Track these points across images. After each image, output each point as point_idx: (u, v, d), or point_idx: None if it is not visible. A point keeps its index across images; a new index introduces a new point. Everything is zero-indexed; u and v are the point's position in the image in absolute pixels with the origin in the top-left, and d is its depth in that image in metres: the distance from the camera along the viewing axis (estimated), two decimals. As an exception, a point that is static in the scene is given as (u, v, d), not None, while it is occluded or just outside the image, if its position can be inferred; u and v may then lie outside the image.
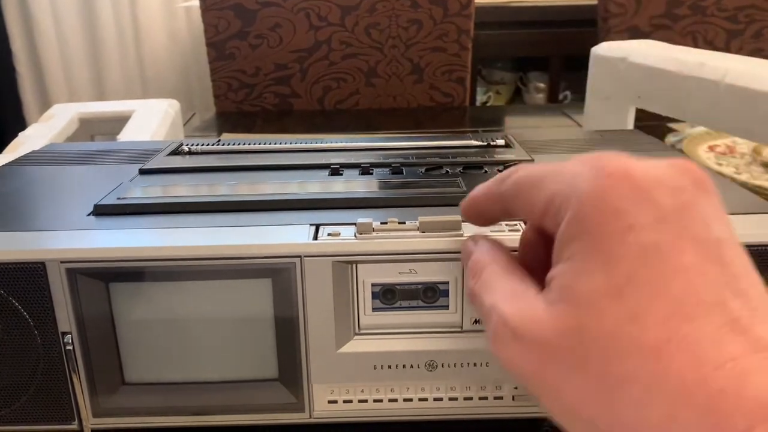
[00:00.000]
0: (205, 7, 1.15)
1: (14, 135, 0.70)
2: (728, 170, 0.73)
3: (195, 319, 0.32)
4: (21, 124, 1.66)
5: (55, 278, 0.31)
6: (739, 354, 0.18)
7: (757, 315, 0.19)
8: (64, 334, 0.32)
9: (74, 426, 0.33)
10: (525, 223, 0.33)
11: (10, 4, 1.62)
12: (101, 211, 0.36)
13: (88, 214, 0.36)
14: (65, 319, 0.32)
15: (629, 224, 0.20)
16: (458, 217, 0.32)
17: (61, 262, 0.31)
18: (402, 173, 0.42)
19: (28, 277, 0.31)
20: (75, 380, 0.32)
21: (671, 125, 0.90)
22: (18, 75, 1.67)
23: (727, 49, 1.23)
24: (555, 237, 0.23)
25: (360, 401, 0.34)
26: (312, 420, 0.34)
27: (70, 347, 0.32)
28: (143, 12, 1.71)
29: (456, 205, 0.36)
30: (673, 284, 0.19)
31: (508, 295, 0.23)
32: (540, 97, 1.95)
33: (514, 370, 0.23)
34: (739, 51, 1.23)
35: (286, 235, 0.32)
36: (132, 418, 0.34)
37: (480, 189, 0.29)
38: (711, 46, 1.23)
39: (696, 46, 1.23)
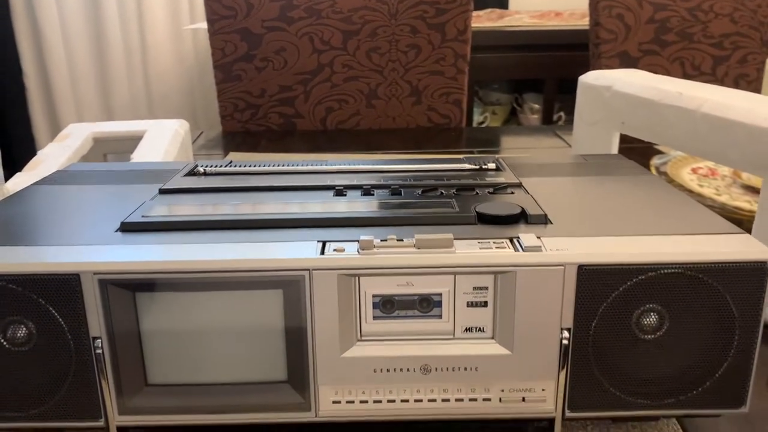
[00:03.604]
0: (213, 31, 1.20)
1: (24, 149, 0.74)
2: (709, 191, 0.77)
3: (212, 326, 0.36)
4: (30, 140, 1.71)
5: (88, 288, 0.35)
6: None
7: None
8: (94, 339, 0.35)
9: (101, 423, 0.37)
10: (512, 242, 0.36)
11: (21, 23, 1.67)
12: (128, 227, 0.39)
13: (116, 230, 0.39)
14: (96, 325, 0.35)
15: None
16: (450, 236, 0.36)
17: (94, 273, 0.35)
18: (400, 194, 0.46)
19: (64, 287, 0.35)
20: (103, 381, 0.36)
21: (658, 147, 0.94)
22: (28, 92, 1.72)
23: (713, 74, 1.28)
24: None
25: (361, 402, 0.37)
26: (317, 419, 0.37)
27: (99, 351, 0.35)
28: (151, 33, 1.76)
29: (449, 224, 0.40)
30: None
31: None
32: (535, 118, 2.00)
33: None
34: (725, 76, 1.28)
35: (296, 250, 0.36)
36: (154, 416, 0.37)
37: None
38: (698, 71, 1.27)
39: (683, 71, 1.27)
